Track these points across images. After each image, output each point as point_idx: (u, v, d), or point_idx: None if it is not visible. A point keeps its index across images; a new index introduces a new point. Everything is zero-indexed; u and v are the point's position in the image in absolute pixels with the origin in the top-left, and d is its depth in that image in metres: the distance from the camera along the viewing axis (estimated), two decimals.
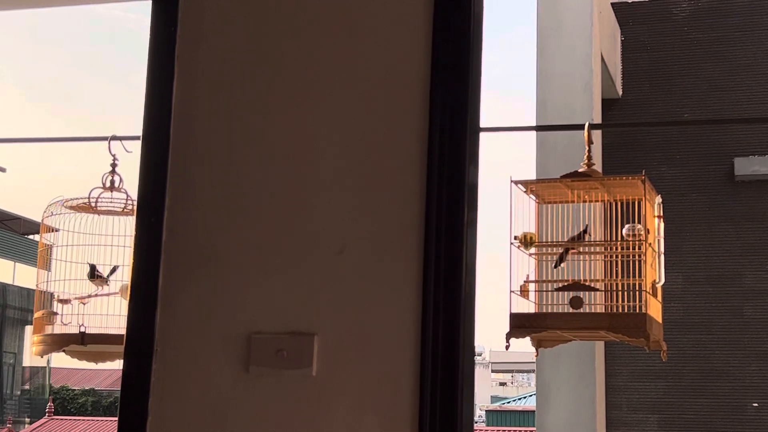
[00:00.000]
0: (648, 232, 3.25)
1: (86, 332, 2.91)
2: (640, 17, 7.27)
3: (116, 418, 2.01)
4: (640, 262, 3.23)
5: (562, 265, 3.28)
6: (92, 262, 3.00)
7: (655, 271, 3.32)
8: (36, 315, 3.04)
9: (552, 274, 3.33)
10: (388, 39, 1.99)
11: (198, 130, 2.04)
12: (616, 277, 3.32)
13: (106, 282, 3.00)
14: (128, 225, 2.97)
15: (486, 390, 32.09)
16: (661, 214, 3.43)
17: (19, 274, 23.63)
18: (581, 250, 3.33)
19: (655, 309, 3.25)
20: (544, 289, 3.29)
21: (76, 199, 3.04)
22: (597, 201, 3.38)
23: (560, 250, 3.32)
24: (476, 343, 1.95)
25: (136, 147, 2.13)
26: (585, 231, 3.28)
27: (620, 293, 3.31)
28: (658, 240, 3.38)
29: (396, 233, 1.91)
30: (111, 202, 3.04)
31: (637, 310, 3.19)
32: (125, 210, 3.04)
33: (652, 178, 3.36)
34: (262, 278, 1.96)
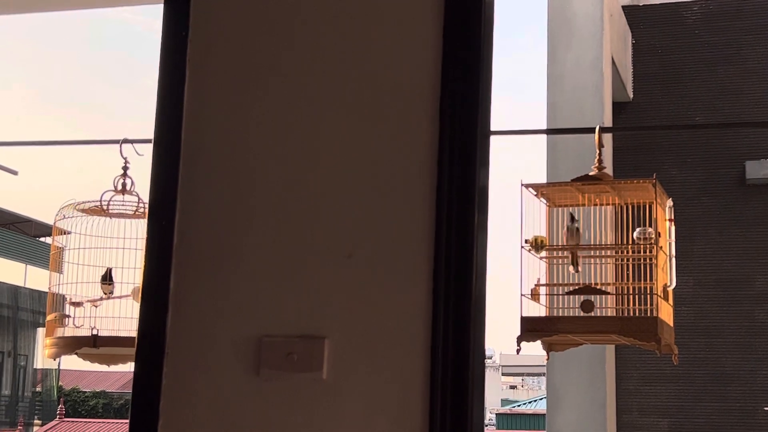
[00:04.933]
0: (659, 236, 3.25)
1: (98, 335, 2.93)
2: (651, 20, 7.26)
3: (127, 421, 2.01)
4: (651, 265, 3.22)
5: (579, 269, 3.28)
6: (110, 266, 3.01)
7: (666, 275, 3.31)
8: (48, 318, 3.05)
9: (563, 277, 3.33)
10: (399, 42, 1.99)
11: (209, 134, 2.05)
12: (627, 280, 3.32)
13: (111, 291, 3.01)
14: (140, 228, 2.99)
15: (496, 393, 32.04)
16: (672, 217, 3.42)
17: (31, 277, 23.72)
18: (592, 253, 3.33)
19: (666, 313, 3.25)
20: (555, 293, 3.29)
21: (88, 202, 3.05)
22: (608, 204, 3.38)
23: (570, 254, 3.32)
24: (486, 346, 1.95)
25: (148, 150, 2.14)
26: (573, 219, 3.27)
27: (631, 297, 3.31)
28: (669, 243, 3.38)
29: (406, 237, 1.91)
30: (123, 205, 3.05)
31: (648, 314, 3.19)
32: (137, 213, 3.06)
33: (663, 182, 3.36)
34: (272, 282, 1.96)
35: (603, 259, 3.38)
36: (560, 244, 3.31)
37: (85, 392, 26.06)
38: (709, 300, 6.77)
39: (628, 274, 3.33)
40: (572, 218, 3.28)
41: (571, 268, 3.28)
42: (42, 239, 22.91)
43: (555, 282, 3.32)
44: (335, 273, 1.93)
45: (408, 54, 1.98)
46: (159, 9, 2.13)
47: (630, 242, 3.30)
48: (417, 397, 1.84)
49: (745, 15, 7.10)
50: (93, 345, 2.93)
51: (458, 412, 1.83)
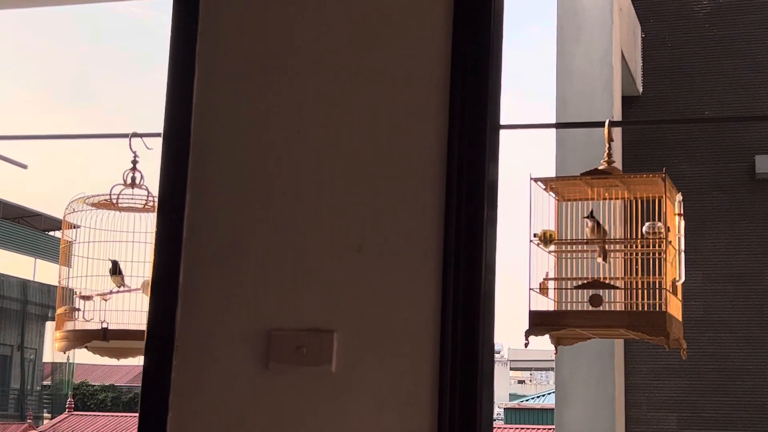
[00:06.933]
0: (668, 230, 3.24)
1: (108, 328, 2.94)
2: (661, 14, 7.23)
3: (136, 414, 2.02)
4: (660, 260, 3.22)
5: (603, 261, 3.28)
6: (114, 259, 3.02)
7: (675, 269, 3.31)
8: (58, 311, 3.06)
9: (571, 271, 3.33)
10: (408, 36, 1.99)
11: (218, 128, 2.05)
12: (636, 275, 3.32)
13: (123, 282, 3.02)
14: (149, 222, 3.00)
15: (505, 388, 32.04)
16: (682, 211, 3.42)
17: (40, 271, 23.79)
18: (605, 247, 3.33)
19: (675, 307, 3.25)
20: (564, 287, 3.29)
21: (98, 195, 3.06)
22: (617, 198, 3.38)
23: (580, 248, 3.32)
24: (495, 340, 1.95)
25: (157, 144, 2.14)
26: (591, 215, 3.28)
27: (640, 291, 3.31)
28: (679, 238, 3.37)
29: (415, 231, 1.91)
30: (132, 198, 3.06)
31: (657, 308, 3.18)
32: (146, 207, 3.06)
33: (673, 176, 3.35)
34: (281, 275, 1.96)
35: (612, 254, 3.38)
36: (570, 238, 3.31)
37: (94, 386, 26.12)
38: (719, 294, 6.75)
39: (637, 269, 3.33)
40: (591, 214, 3.28)
41: (599, 259, 3.29)
42: (51, 233, 22.98)
43: (564, 276, 3.32)
44: (344, 267, 1.93)
45: (417, 47, 1.98)
46: (168, 3, 2.14)
47: (639, 236, 3.29)
48: (426, 391, 1.84)
49: (755, 8, 7.07)
50: (103, 338, 2.94)
51: (467, 406, 1.83)
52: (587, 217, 3.27)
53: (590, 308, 3.19)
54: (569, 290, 3.27)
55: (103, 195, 3.06)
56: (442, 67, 1.95)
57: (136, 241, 3.02)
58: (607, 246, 3.32)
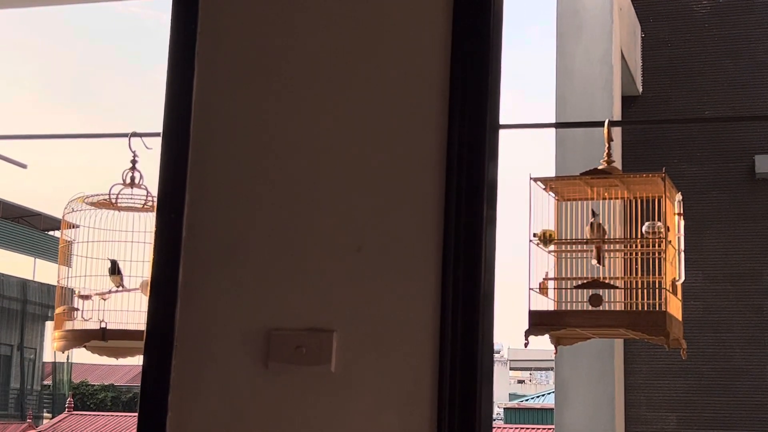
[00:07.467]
0: (668, 230, 3.24)
1: (107, 328, 2.93)
2: (661, 14, 7.23)
3: (136, 414, 2.02)
4: (660, 259, 3.22)
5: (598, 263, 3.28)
6: (113, 258, 3.02)
7: (675, 269, 3.31)
8: (57, 311, 3.06)
9: (571, 271, 3.33)
10: (408, 35, 1.99)
11: (218, 127, 2.05)
12: (636, 274, 3.32)
13: (122, 282, 3.02)
14: (148, 221, 3.00)
15: (504, 388, 32.04)
16: (681, 211, 3.42)
17: (40, 270, 23.78)
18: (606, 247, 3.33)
19: (675, 307, 3.25)
20: (564, 287, 3.29)
21: (97, 195, 3.06)
22: (617, 198, 3.38)
23: (580, 248, 3.32)
24: (495, 340, 1.95)
25: (157, 144, 2.14)
26: (594, 214, 3.28)
27: (640, 291, 3.31)
28: (678, 237, 3.37)
29: (415, 230, 1.91)
30: (131, 198, 3.06)
31: (657, 308, 3.18)
32: (145, 206, 3.06)
33: (672, 176, 3.35)
34: (281, 275, 1.96)
35: (612, 254, 3.38)
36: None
37: (94, 386, 26.13)
38: (718, 294, 6.75)
39: (636, 269, 3.33)
40: (593, 213, 3.29)
41: (594, 261, 3.29)
42: (51, 233, 22.97)
43: (563, 276, 3.32)
44: (344, 266, 1.93)
45: (417, 47, 1.97)
46: (168, 3, 2.13)
47: (639, 236, 3.29)
48: (425, 391, 1.84)
49: (754, 8, 7.07)
50: (102, 338, 2.94)
51: (467, 406, 1.83)
52: (594, 216, 3.27)
53: (590, 308, 3.19)
54: (569, 290, 3.27)
55: (102, 194, 3.06)
56: (442, 67, 1.95)
57: (135, 241, 3.02)
58: (606, 246, 3.32)
